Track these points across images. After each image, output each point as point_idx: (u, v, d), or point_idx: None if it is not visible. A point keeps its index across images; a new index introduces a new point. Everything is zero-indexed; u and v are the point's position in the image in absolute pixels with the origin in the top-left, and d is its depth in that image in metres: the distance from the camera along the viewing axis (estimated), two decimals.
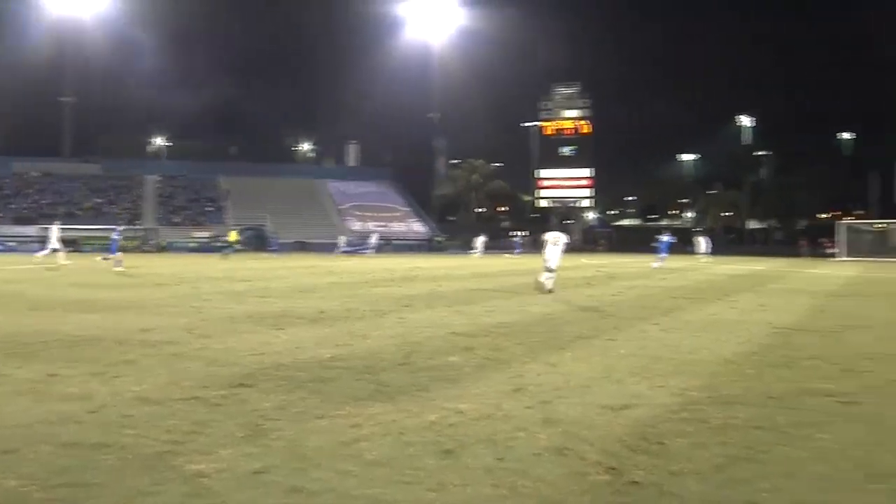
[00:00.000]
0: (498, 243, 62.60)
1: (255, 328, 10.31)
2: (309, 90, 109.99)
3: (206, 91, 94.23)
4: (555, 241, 17.37)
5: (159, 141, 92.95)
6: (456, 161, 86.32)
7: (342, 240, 55.43)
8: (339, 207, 74.02)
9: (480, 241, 53.41)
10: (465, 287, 19.12)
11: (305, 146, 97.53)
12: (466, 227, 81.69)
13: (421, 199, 78.70)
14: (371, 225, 68.32)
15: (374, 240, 54.61)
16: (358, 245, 54.29)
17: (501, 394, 6.23)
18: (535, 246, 49.86)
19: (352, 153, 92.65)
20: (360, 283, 20.23)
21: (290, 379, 6.71)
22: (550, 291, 16.84)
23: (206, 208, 69.19)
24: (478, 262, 38.90)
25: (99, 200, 66.42)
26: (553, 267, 17.14)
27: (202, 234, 60.26)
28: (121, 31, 70.46)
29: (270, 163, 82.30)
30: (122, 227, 30.44)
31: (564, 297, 16.18)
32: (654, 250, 37.28)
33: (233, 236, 45.18)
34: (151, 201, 69.25)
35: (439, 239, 70.13)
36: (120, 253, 26.46)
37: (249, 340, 9.09)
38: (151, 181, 72.82)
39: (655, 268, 30.84)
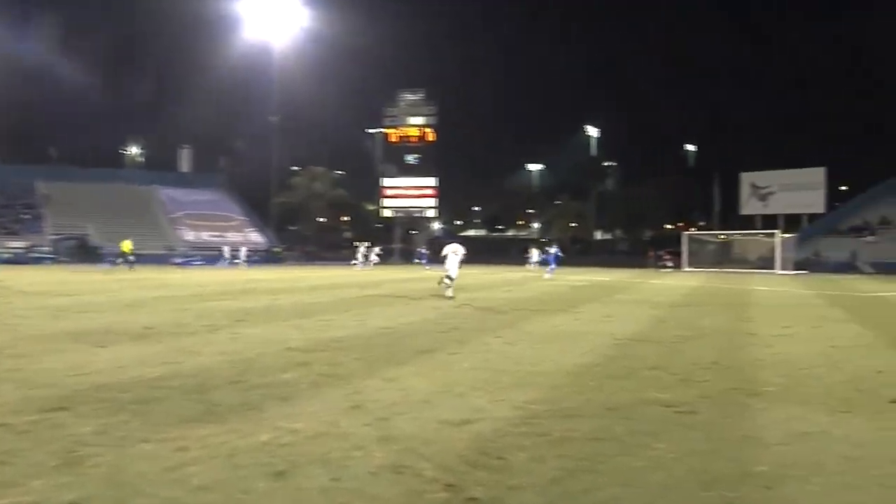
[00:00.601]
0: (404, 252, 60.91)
1: (74, 346, 9.64)
2: (139, 90, 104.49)
3: (23, 87, 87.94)
4: (454, 251, 19.57)
5: None
6: (296, 168, 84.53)
7: (226, 250, 53.59)
8: (171, 216, 70.86)
9: (369, 251, 50.13)
10: (303, 300, 18.77)
11: (134, 150, 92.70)
12: (307, 237, 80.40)
13: (259, 208, 76.56)
14: (205, 234, 66.09)
15: (244, 252, 52.73)
16: (229, 257, 52.46)
17: (338, 411, 6.12)
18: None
19: (185, 158, 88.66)
20: (193, 297, 19.43)
21: (112, 400, 6.31)
22: (451, 298, 18.73)
23: (22, 216, 64.13)
24: (325, 274, 37.59)
25: None
26: (453, 276, 19.32)
27: (17, 245, 56.07)
28: None
29: (96, 167, 77.58)
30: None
31: (407, 310, 16.24)
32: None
33: (126, 246, 40.72)
34: None
35: (278, 249, 68.56)
36: None
37: (68, 360, 8.48)
38: None
39: (547, 277, 34.68)
